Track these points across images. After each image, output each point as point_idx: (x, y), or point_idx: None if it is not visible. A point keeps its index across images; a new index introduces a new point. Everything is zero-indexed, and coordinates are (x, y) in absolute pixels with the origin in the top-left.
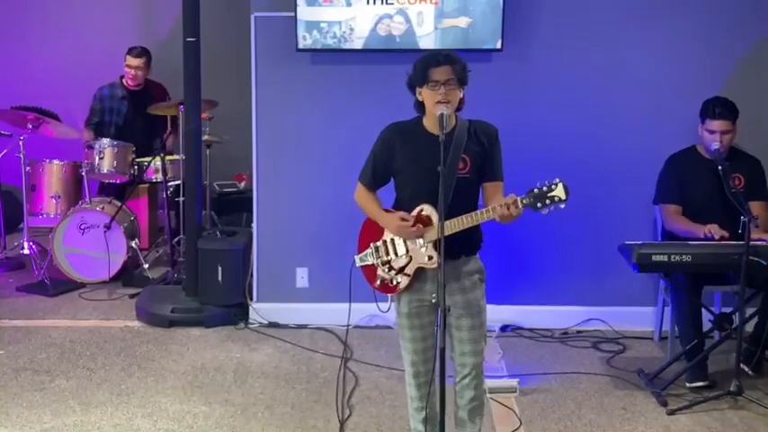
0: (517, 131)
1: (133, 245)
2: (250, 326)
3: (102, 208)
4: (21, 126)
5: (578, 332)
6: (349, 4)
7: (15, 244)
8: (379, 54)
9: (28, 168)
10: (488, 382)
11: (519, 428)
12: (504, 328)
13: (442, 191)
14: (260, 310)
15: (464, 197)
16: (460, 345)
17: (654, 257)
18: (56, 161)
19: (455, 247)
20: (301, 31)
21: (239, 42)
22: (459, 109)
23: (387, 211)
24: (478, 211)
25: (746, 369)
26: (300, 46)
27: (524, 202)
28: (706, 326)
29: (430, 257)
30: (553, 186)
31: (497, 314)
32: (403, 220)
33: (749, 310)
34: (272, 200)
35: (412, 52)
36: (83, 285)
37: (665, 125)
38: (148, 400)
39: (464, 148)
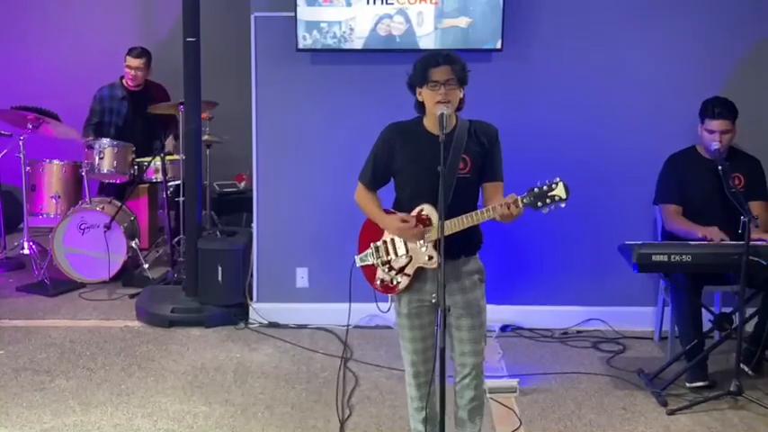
0: (517, 131)
1: (133, 245)
2: (250, 326)
3: (102, 208)
4: (21, 126)
5: (578, 332)
6: (349, 4)
7: (15, 244)
8: (379, 54)
9: (28, 168)
10: (488, 382)
11: (519, 428)
12: (504, 328)
13: (441, 191)
14: (260, 310)
15: (464, 197)
16: (460, 345)
17: (654, 257)
18: (56, 161)
19: (455, 247)
20: (301, 31)
21: (239, 42)
22: (459, 109)
23: (387, 211)
24: (479, 211)
25: (746, 369)
26: (300, 46)
27: (525, 201)
28: (706, 326)
29: (430, 257)
30: (554, 186)
31: (497, 314)
32: (404, 221)
33: (749, 310)
34: (272, 200)
35: (412, 52)
36: (83, 285)
37: (665, 125)
38: (148, 400)
39: (464, 148)
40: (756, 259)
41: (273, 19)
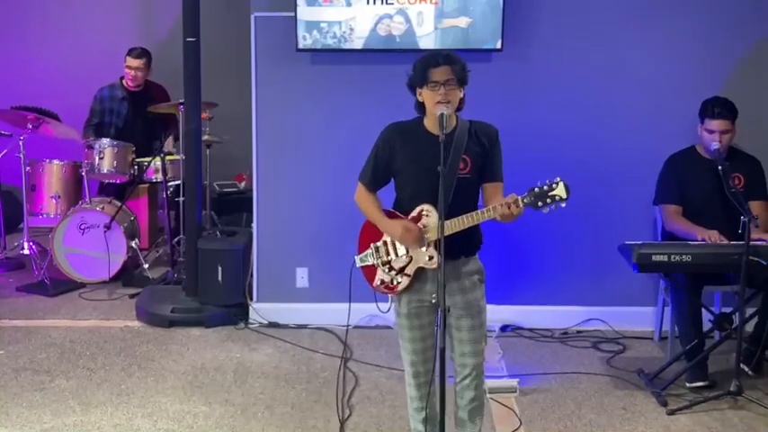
0: (517, 131)
1: (133, 245)
2: (250, 326)
3: (102, 208)
4: (21, 126)
5: (578, 332)
6: (349, 4)
7: (15, 244)
8: (379, 54)
9: (28, 168)
10: (488, 382)
11: (519, 428)
12: (504, 328)
13: (442, 191)
14: (260, 310)
15: (464, 197)
16: (461, 345)
17: (654, 257)
18: (56, 161)
19: (455, 248)
20: (301, 31)
21: (239, 42)
22: (459, 109)
23: (387, 212)
24: (479, 211)
25: (746, 369)
26: (300, 46)
27: (525, 201)
28: (706, 326)
29: (430, 258)
30: (554, 185)
31: (497, 314)
32: (407, 229)
33: (749, 310)
34: (272, 200)
35: (412, 52)
36: (83, 285)
37: (665, 125)
38: (148, 400)
39: (465, 148)
40: (756, 259)
41: (273, 19)
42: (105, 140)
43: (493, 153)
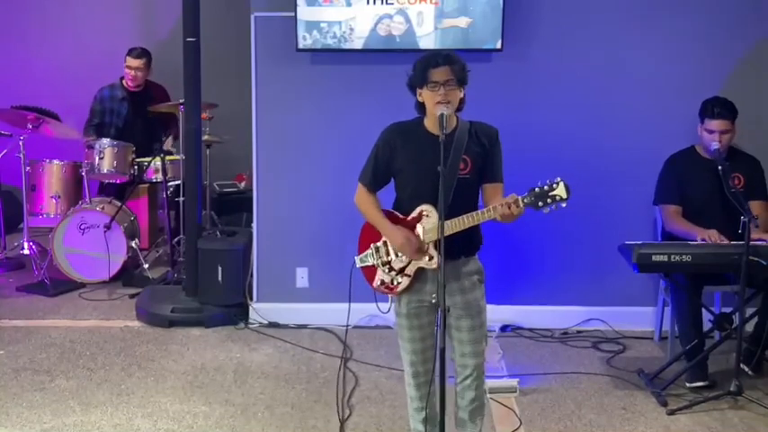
0: (517, 131)
1: (133, 245)
2: (250, 326)
3: (102, 208)
4: (21, 126)
5: (578, 332)
6: (349, 4)
7: (15, 244)
8: (379, 54)
9: (28, 168)
10: (488, 382)
11: (519, 428)
12: (504, 328)
13: (442, 191)
14: (260, 310)
15: (464, 198)
16: (461, 346)
17: (654, 257)
18: (56, 161)
19: (455, 248)
20: (301, 31)
21: (239, 42)
22: (459, 109)
23: (386, 212)
24: (479, 211)
25: (746, 369)
26: (300, 46)
27: (525, 201)
28: (706, 326)
29: (430, 258)
30: (554, 185)
31: (497, 314)
32: (408, 239)
33: (749, 310)
34: (272, 200)
35: (412, 52)
36: (83, 285)
37: (665, 125)
38: (148, 400)
39: (465, 148)
40: (756, 259)
41: (273, 19)
42: (105, 140)
43: (493, 153)
